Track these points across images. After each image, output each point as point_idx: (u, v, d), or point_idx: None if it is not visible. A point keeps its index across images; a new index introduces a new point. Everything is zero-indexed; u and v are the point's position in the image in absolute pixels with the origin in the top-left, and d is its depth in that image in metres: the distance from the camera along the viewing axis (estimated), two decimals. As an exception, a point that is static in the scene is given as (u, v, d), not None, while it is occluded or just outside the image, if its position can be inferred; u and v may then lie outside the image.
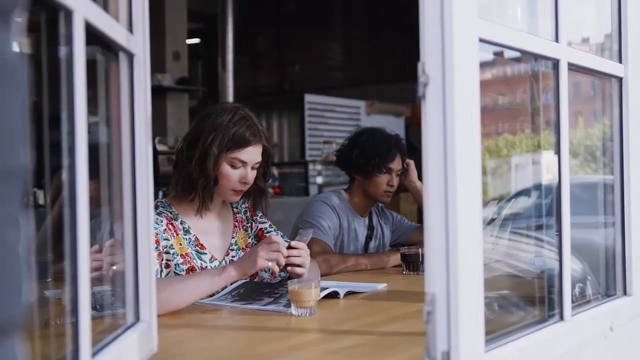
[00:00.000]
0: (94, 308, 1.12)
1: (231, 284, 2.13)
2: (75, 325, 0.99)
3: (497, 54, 1.47)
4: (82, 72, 1.02)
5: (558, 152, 1.53)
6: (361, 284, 2.28)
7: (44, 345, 1.11)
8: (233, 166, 2.20)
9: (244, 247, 2.37)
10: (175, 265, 2.14)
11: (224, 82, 8.81)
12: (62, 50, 1.01)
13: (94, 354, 1.08)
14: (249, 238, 2.40)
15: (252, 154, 2.22)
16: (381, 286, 2.33)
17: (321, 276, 2.61)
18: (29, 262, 0.57)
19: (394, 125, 7.06)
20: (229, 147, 2.17)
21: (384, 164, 2.96)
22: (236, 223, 2.39)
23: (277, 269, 2.05)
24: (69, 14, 0.99)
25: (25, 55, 0.61)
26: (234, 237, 2.36)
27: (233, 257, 2.31)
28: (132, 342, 1.27)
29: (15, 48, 0.59)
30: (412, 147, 5.38)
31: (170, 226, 2.17)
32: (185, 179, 2.21)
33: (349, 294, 2.16)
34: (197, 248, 2.22)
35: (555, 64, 1.53)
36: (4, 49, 0.56)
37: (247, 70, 10.17)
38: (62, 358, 1.01)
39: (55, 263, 1.11)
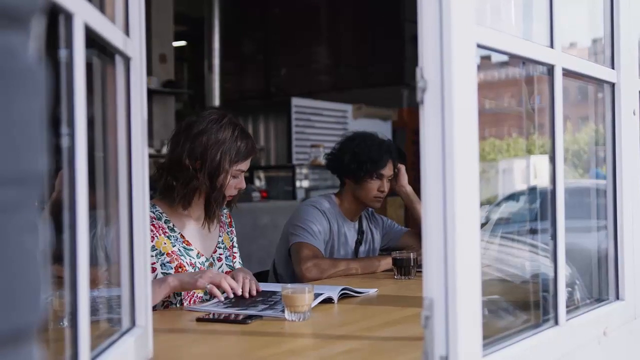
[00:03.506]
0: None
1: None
2: (75, 331, 0.98)
3: (483, 57, 1.47)
4: (81, 75, 1.01)
5: (552, 156, 1.54)
6: (354, 288, 2.28)
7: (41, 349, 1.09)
8: (234, 177, 2.30)
9: (229, 246, 2.45)
10: (161, 265, 2.19)
11: (210, 85, 8.79)
12: (62, 53, 1.00)
13: (92, 359, 1.07)
14: (230, 241, 2.48)
15: (249, 162, 2.34)
16: (372, 291, 2.33)
17: (312, 281, 2.61)
18: (45, 267, 0.57)
19: (380, 129, 7.07)
20: (237, 160, 2.27)
21: (375, 169, 2.95)
22: (221, 223, 2.46)
23: (216, 291, 2.04)
24: (69, 17, 0.98)
25: (43, 60, 0.61)
26: (220, 236, 2.43)
27: (220, 254, 2.39)
28: (129, 347, 1.26)
29: (34, 53, 0.58)
30: (400, 152, 5.37)
31: (152, 227, 2.19)
32: (192, 192, 2.26)
33: (344, 297, 2.17)
34: (183, 245, 2.27)
35: (550, 69, 1.53)
36: (22, 55, 0.56)
37: (233, 73, 10.16)
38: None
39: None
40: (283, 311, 1.88)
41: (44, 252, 0.57)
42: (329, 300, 2.10)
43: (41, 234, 0.57)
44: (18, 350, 0.55)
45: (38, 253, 0.56)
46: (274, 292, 2.16)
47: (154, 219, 2.23)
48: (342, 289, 2.18)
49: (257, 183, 7.31)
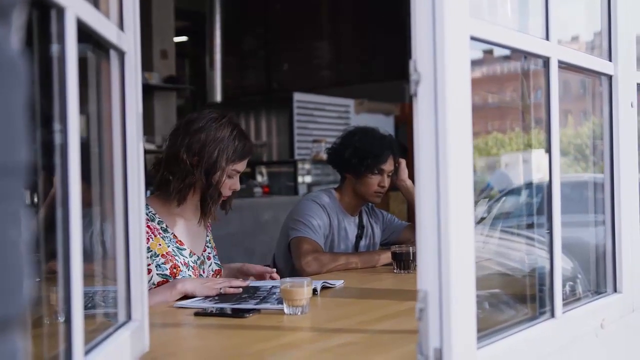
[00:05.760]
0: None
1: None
2: (68, 324, 0.99)
3: (486, 52, 1.47)
4: (74, 71, 1.01)
5: (549, 150, 1.53)
6: (326, 281, 2.32)
7: (35, 344, 1.10)
8: (230, 177, 2.31)
9: (214, 246, 2.50)
10: (156, 266, 2.21)
11: (211, 80, 8.80)
12: (54, 48, 1.00)
13: (87, 352, 1.07)
14: (213, 241, 2.53)
15: (245, 164, 2.36)
16: (340, 283, 2.36)
17: (312, 275, 2.61)
18: (29, 259, 0.57)
19: (383, 124, 7.07)
20: (233, 160, 2.29)
21: (376, 165, 2.95)
22: (209, 223, 2.49)
23: (230, 290, 2.14)
24: (60, 11, 0.98)
25: (24, 52, 0.61)
26: (208, 236, 2.47)
27: (209, 253, 2.44)
28: (124, 340, 1.27)
29: (15, 45, 0.58)
30: (402, 146, 5.38)
31: (147, 228, 2.21)
32: (187, 188, 2.28)
33: (323, 288, 2.21)
34: (177, 245, 2.30)
35: (546, 61, 1.53)
36: (4, 47, 0.56)
37: (235, 69, 10.17)
38: (55, 357, 1.01)
39: (45, 263, 1.11)
40: (279, 303, 1.89)
41: (27, 243, 0.58)
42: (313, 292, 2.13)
43: (25, 225, 0.58)
44: (2, 339, 0.55)
45: (22, 244, 0.57)
46: (258, 288, 2.19)
47: (147, 221, 2.24)
48: (322, 286, 2.22)
49: (259, 178, 7.31)
